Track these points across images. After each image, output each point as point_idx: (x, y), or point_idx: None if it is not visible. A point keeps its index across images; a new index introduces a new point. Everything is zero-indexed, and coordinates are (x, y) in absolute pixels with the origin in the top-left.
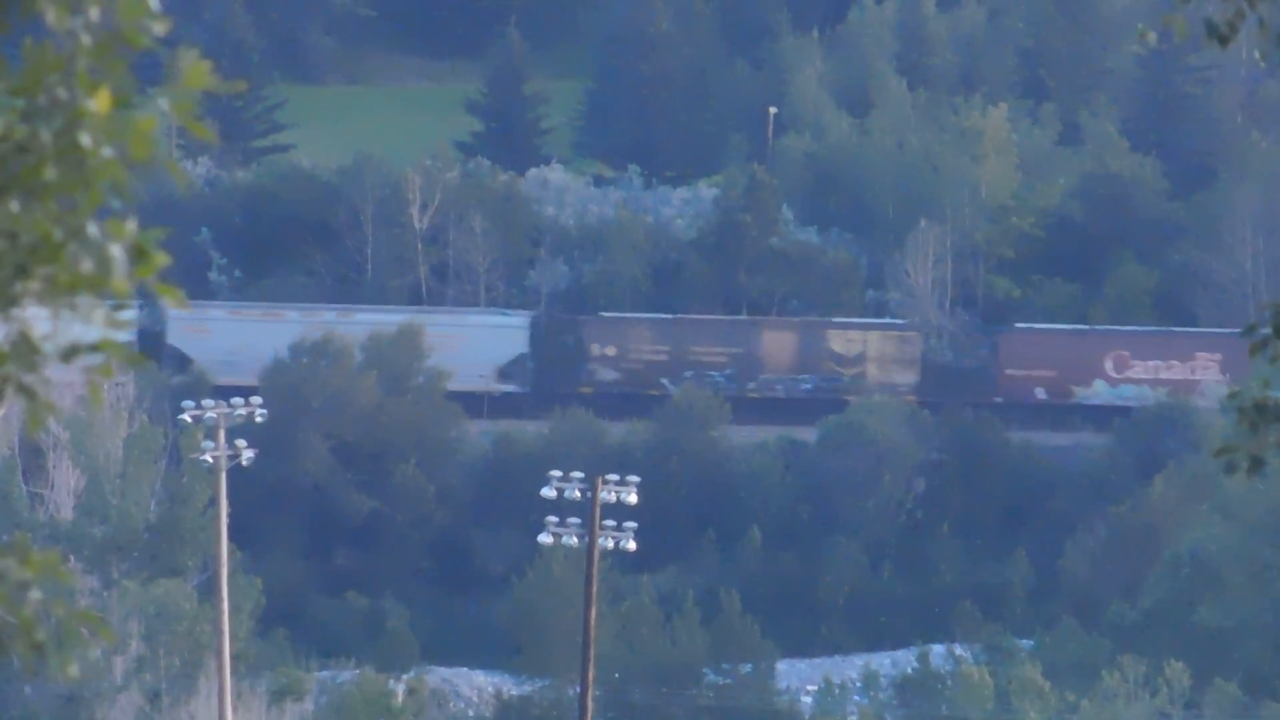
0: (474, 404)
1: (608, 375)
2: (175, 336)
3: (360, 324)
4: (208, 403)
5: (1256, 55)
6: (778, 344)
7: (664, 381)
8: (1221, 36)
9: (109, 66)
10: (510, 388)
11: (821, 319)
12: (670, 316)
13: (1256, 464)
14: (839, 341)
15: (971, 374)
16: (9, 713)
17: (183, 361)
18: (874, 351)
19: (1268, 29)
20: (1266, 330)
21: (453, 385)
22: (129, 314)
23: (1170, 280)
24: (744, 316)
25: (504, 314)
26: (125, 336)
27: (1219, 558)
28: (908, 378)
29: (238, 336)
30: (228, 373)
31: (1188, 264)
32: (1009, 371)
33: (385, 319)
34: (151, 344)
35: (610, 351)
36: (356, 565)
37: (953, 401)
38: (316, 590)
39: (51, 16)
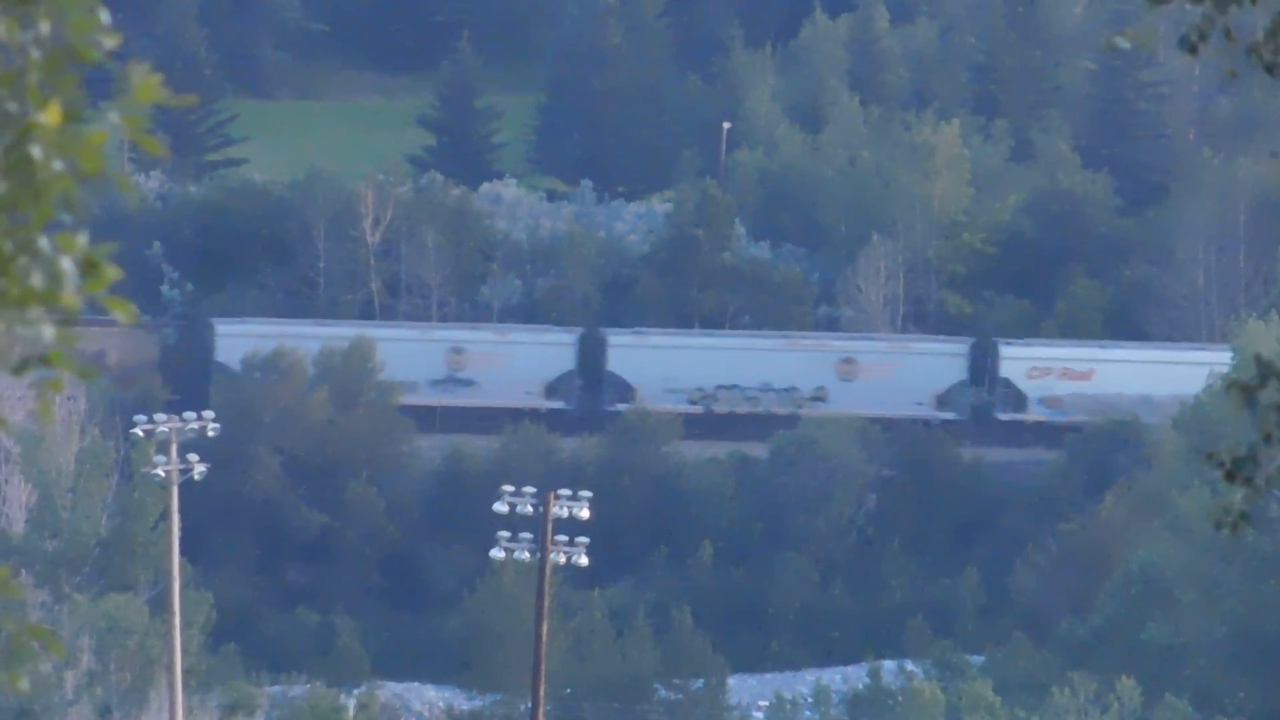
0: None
1: None
2: None
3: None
4: (160, 417)
5: (1227, 70)
6: None
7: None
8: (1191, 46)
9: (60, 81)
10: None
11: None
12: None
13: (1243, 519)
14: None
15: None
16: None
17: None
18: None
19: (1236, 41)
20: (1251, 382)
21: None
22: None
23: (1122, 296)
24: None
25: None
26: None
27: (1169, 575)
28: None
29: None
30: None
31: (1140, 280)
32: None
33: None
34: None
35: None
36: (308, 580)
37: None
38: (267, 605)
39: (2, 30)
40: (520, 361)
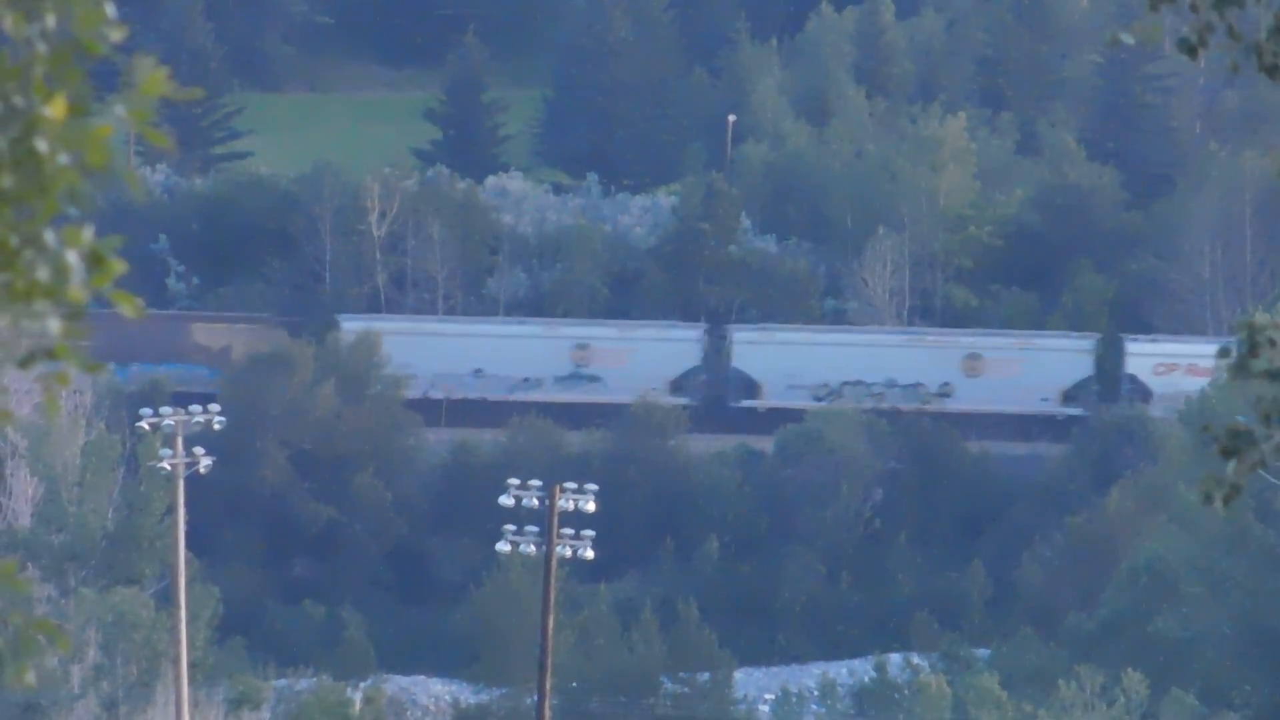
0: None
1: None
2: None
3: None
4: (165, 410)
5: (1229, 65)
6: None
7: None
8: (1191, 48)
9: (66, 74)
10: None
11: None
12: None
13: (1234, 491)
14: None
15: None
16: None
17: None
18: None
19: (1239, 38)
20: (1241, 351)
21: None
22: None
23: (1128, 290)
24: None
25: None
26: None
27: (1176, 568)
28: None
29: None
30: None
31: (1145, 273)
32: None
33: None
34: None
35: None
36: (314, 574)
37: None
38: (274, 599)
39: (8, 24)
40: (645, 357)
